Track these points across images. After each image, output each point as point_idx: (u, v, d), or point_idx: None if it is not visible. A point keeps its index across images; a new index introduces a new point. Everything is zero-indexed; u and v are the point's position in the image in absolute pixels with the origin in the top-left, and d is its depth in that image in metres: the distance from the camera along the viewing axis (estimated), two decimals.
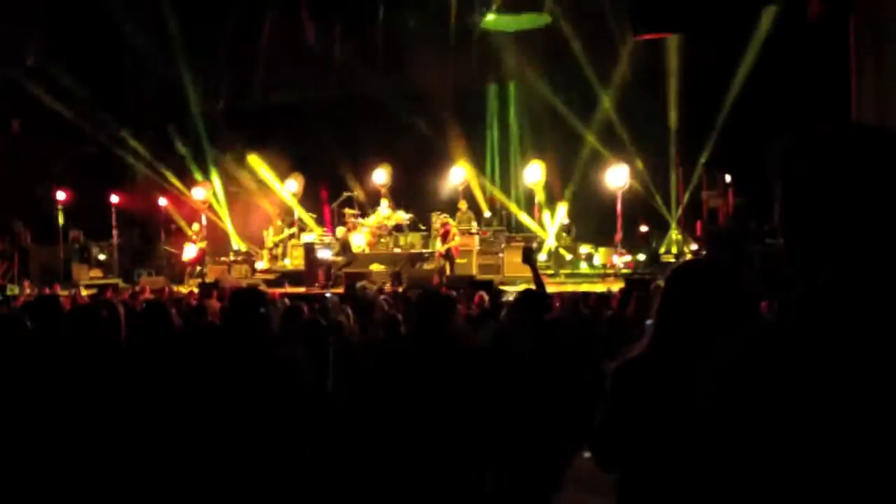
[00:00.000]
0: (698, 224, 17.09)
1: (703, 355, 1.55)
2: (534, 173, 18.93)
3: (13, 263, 19.30)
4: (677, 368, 2.10)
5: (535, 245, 16.68)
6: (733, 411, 1.51)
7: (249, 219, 21.49)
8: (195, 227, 19.88)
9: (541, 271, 18.10)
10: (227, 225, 21.67)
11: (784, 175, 1.58)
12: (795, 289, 1.52)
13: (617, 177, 17.35)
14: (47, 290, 13.65)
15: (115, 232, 20.98)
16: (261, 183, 21.57)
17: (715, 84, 17.04)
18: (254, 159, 21.60)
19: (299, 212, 20.73)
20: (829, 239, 1.50)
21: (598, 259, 18.31)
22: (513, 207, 20.42)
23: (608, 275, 16.49)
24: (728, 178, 16.77)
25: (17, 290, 16.29)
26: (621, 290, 12.55)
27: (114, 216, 20.97)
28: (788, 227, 1.58)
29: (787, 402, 1.46)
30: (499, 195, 20.69)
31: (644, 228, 18.42)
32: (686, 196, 18.32)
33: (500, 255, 17.77)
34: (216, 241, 20.66)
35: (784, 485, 1.46)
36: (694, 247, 16.37)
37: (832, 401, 1.43)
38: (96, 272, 20.35)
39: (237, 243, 21.15)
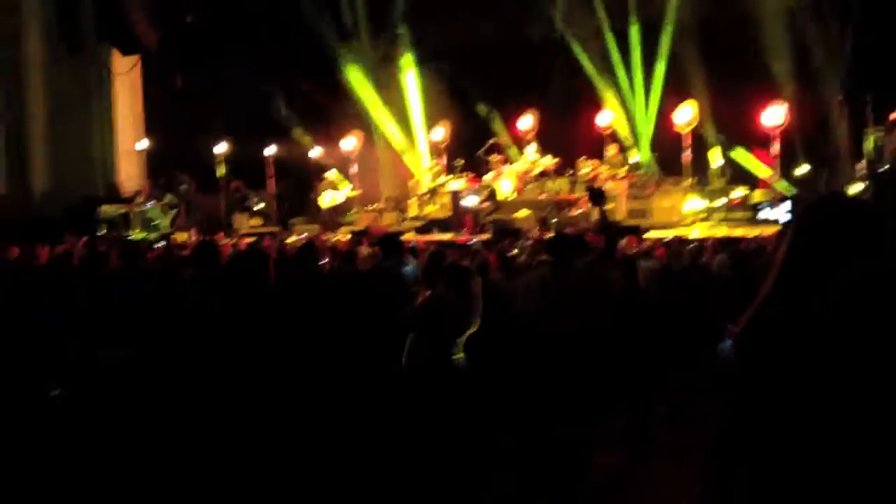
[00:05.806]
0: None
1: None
2: (685, 114, 18.25)
3: (180, 213, 20.43)
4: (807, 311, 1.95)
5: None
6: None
7: (398, 167, 21.79)
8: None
9: (694, 216, 17.53)
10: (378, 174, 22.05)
11: None
12: None
13: (774, 116, 16.59)
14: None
15: (271, 182, 21.78)
16: (408, 132, 21.77)
17: (884, 15, 15.88)
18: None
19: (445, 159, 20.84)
20: None
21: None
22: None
23: (766, 220, 15.88)
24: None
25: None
26: (777, 234, 12.06)
27: (271, 167, 21.75)
28: None
29: None
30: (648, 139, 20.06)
31: (803, 169, 17.51)
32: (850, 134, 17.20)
33: (650, 199, 17.40)
34: (368, 189, 21.12)
35: None
36: (859, 187, 15.38)
37: None
38: (256, 220, 21.24)
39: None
